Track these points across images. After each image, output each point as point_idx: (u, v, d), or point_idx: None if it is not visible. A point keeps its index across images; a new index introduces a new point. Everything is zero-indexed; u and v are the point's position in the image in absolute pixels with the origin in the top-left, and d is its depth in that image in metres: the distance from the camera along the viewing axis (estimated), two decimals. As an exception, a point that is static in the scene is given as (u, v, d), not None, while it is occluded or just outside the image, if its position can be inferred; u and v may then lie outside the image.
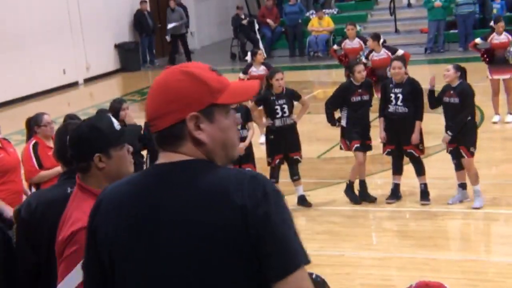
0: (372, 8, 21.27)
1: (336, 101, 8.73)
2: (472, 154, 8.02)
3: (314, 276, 3.31)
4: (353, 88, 8.56)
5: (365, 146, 8.62)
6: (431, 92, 8.30)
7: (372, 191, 8.75)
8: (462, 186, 8.29)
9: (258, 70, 11.25)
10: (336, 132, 8.99)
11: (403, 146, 8.35)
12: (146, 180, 2.09)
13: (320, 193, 9.16)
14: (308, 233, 7.61)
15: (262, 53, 11.89)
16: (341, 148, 8.90)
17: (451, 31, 18.72)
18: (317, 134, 11.75)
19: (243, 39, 20.39)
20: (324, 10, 20.28)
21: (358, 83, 8.57)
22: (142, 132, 8.08)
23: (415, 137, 8.24)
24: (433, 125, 9.84)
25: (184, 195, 2.00)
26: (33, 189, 6.61)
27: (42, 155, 6.64)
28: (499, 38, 11.29)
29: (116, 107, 7.93)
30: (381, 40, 11.35)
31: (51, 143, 6.43)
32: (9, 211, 5.98)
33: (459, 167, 8.18)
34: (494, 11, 18.17)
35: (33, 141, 6.73)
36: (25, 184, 6.75)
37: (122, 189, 2.13)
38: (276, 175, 8.48)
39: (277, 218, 1.96)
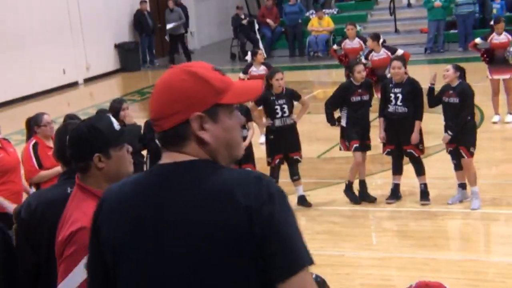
0: (372, 8, 21.27)
1: (336, 101, 8.73)
2: (472, 155, 8.03)
3: (314, 276, 3.30)
4: (353, 88, 8.56)
5: (364, 146, 8.62)
6: (431, 89, 8.30)
7: (372, 191, 8.75)
8: (462, 186, 8.29)
9: (258, 70, 11.25)
10: (336, 132, 8.99)
11: (403, 146, 8.35)
12: (150, 179, 2.09)
13: (320, 193, 9.16)
14: (308, 233, 7.61)
15: (262, 53, 11.89)
16: (340, 149, 8.91)
17: (451, 31, 18.72)
18: (317, 134, 11.75)
19: (243, 39, 20.39)
20: (324, 10, 20.27)
21: (358, 83, 8.57)
22: (142, 132, 8.09)
23: (414, 137, 8.24)
24: (433, 125, 9.84)
25: (188, 195, 1.99)
26: (33, 189, 6.62)
27: (42, 155, 6.65)
28: (499, 38, 11.29)
29: (116, 107, 7.93)
30: (381, 40, 11.35)
31: (51, 143, 6.43)
32: (12, 207, 5.99)
33: (458, 167, 8.18)
34: (494, 11, 18.16)
35: (33, 141, 6.73)
36: (25, 183, 6.74)
37: (125, 189, 2.12)
38: (276, 175, 8.48)
39: (281, 218, 1.96)
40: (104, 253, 2.10)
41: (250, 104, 8.72)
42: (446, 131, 8.12)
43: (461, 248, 7.51)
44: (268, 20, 20.41)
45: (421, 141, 8.35)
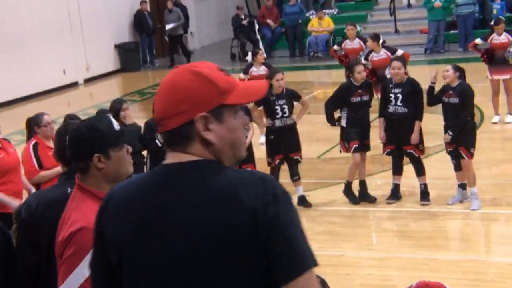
0: (372, 9, 21.27)
1: (336, 102, 8.73)
2: (471, 155, 8.03)
3: (314, 276, 3.31)
4: (353, 89, 8.57)
5: (364, 147, 8.62)
6: (431, 88, 8.31)
7: (372, 191, 8.76)
8: (462, 186, 8.29)
9: (259, 70, 11.26)
10: (336, 132, 8.99)
11: (403, 146, 8.35)
12: (155, 180, 2.08)
13: (320, 193, 9.16)
14: (308, 233, 7.44)
15: (262, 53, 11.90)
16: (340, 151, 8.90)
17: (451, 31, 18.72)
18: (317, 134, 11.75)
19: (243, 39, 20.39)
20: (324, 11, 20.27)
21: (358, 83, 8.57)
22: (142, 132, 8.08)
23: (414, 137, 8.24)
24: (433, 125, 9.84)
25: (193, 195, 1.99)
26: (33, 189, 6.62)
27: (42, 155, 6.65)
28: (499, 38, 11.29)
29: (116, 107, 7.93)
30: (381, 41, 11.35)
31: (51, 143, 6.43)
32: (15, 204, 6.02)
33: (458, 167, 8.18)
34: (494, 11, 18.16)
35: (33, 141, 6.73)
36: (27, 181, 6.73)
37: (130, 189, 2.12)
38: (276, 175, 8.47)
39: (286, 219, 1.96)
40: (109, 253, 2.09)
41: (250, 105, 8.72)
42: (446, 131, 8.12)
43: (461, 248, 7.51)
44: (268, 21, 20.41)
45: (421, 141, 8.35)
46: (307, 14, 20.45)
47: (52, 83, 17.80)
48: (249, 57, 12.52)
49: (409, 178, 8.61)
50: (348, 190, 8.65)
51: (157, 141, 7.92)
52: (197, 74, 2.06)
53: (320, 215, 8.42)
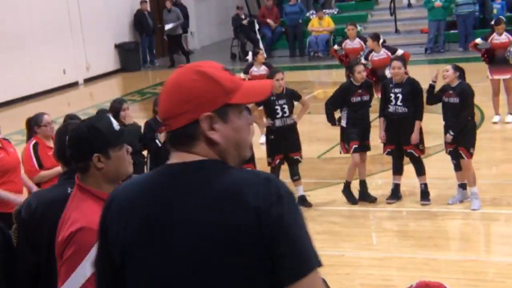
0: (373, 8, 21.27)
1: (336, 102, 8.73)
2: (471, 155, 8.03)
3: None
4: (353, 89, 8.57)
5: (364, 147, 8.62)
6: (432, 87, 8.30)
7: (372, 191, 8.76)
8: (462, 186, 8.29)
9: (259, 70, 11.25)
10: (336, 132, 8.99)
11: (403, 146, 8.35)
12: (159, 179, 2.08)
13: (320, 193, 9.16)
14: (308, 233, 7.59)
15: (263, 53, 11.90)
16: (340, 153, 8.89)
17: (451, 31, 18.72)
18: (317, 134, 11.75)
19: (243, 39, 20.39)
20: (324, 10, 20.27)
21: (358, 83, 8.57)
22: (142, 132, 8.08)
23: (414, 137, 8.24)
24: (433, 125, 9.84)
25: (197, 195, 1.99)
26: (34, 187, 6.61)
27: (42, 155, 6.65)
28: (499, 38, 11.29)
29: (116, 107, 7.93)
30: (381, 40, 11.35)
31: (51, 143, 6.44)
32: (19, 199, 6.03)
33: (458, 167, 8.18)
34: (494, 11, 18.16)
35: (33, 141, 6.73)
36: (28, 179, 6.72)
37: (134, 189, 2.11)
38: (277, 175, 8.47)
39: (290, 219, 1.95)
40: (112, 253, 2.09)
41: (250, 104, 8.71)
42: (446, 131, 8.12)
43: (461, 248, 7.51)
44: (269, 20, 20.41)
45: (421, 141, 8.35)
46: (307, 14, 20.45)
47: (52, 83, 17.80)
48: (249, 57, 12.51)
49: (409, 178, 8.61)
50: (347, 190, 8.65)
51: (157, 141, 7.92)
52: (202, 73, 2.05)
53: (320, 215, 8.42)
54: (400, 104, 8.27)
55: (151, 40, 20.70)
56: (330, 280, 3.66)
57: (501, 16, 13.31)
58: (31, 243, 3.40)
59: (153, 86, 18.45)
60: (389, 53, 11.01)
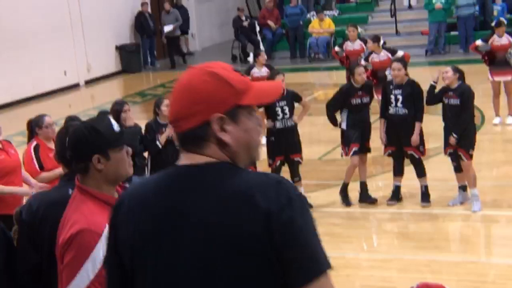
0: (373, 10, 21.27)
1: (337, 103, 8.73)
2: (471, 157, 8.02)
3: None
4: (353, 91, 8.57)
5: (364, 148, 8.63)
6: (432, 87, 8.31)
7: (373, 192, 8.75)
8: (463, 188, 8.29)
9: (260, 71, 11.26)
10: (337, 133, 8.98)
11: (403, 148, 8.35)
12: (169, 181, 2.07)
13: (321, 194, 9.16)
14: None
15: (264, 54, 11.90)
16: (342, 156, 8.89)
17: (452, 33, 18.72)
18: (318, 135, 11.75)
19: (244, 40, 20.39)
20: (325, 12, 20.27)
21: (358, 85, 8.57)
22: (143, 134, 8.07)
23: (414, 139, 8.24)
24: (433, 127, 9.83)
25: (208, 197, 1.98)
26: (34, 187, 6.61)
27: (43, 157, 6.66)
28: (500, 40, 11.30)
29: (117, 109, 7.93)
30: (381, 42, 11.36)
31: (52, 145, 6.44)
32: (26, 192, 6.04)
33: (458, 169, 8.18)
34: (495, 13, 18.16)
35: (34, 143, 6.74)
36: (28, 176, 6.73)
37: (143, 190, 2.11)
38: (277, 176, 8.47)
39: (301, 223, 1.95)
40: (122, 254, 2.09)
41: (250, 106, 8.71)
42: (446, 132, 8.12)
43: (462, 250, 7.50)
44: (269, 22, 20.42)
45: (422, 142, 8.34)
46: (308, 16, 20.46)
47: (53, 85, 17.82)
48: (250, 59, 12.53)
49: (409, 179, 8.61)
50: (343, 192, 8.66)
51: (157, 142, 7.92)
52: (213, 75, 2.04)
53: (321, 217, 8.41)
54: (400, 105, 8.27)
55: (152, 42, 20.72)
56: (331, 282, 3.66)
57: (501, 18, 13.30)
58: (32, 244, 3.40)
59: (154, 88, 18.47)
60: (390, 55, 11.02)
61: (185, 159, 2.06)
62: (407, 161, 8.48)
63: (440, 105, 8.27)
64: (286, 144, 8.55)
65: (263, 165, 8.67)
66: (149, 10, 20.57)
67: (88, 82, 19.14)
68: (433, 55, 18.40)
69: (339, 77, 14.44)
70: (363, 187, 8.69)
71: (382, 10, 20.89)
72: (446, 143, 8.15)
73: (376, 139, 8.75)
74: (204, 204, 1.97)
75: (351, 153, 8.53)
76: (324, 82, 17.97)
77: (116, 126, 3.05)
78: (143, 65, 20.64)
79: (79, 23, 18.72)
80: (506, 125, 11.59)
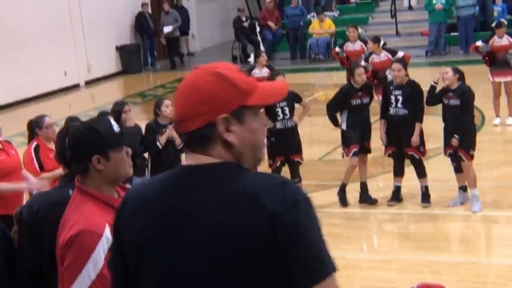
0: (373, 11, 21.27)
1: (337, 104, 8.73)
2: (471, 157, 8.02)
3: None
4: (353, 91, 8.57)
5: (364, 149, 8.63)
6: (433, 87, 8.31)
7: (373, 193, 8.75)
8: (463, 188, 8.29)
9: (261, 72, 11.26)
10: (337, 134, 8.99)
11: (404, 148, 8.35)
12: (174, 181, 2.06)
13: (321, 195, 9.15)
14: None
15: (265, 55, 11.90)
16: (343, 157, 8.89)
17: (452, 33, 18.72)
18: (318, 136, 11.75)
19: (244, 41, 20.40)
20: (325, 13, 20.27)
21: (358, 86, 8.57)
22: (143, 134, 8.07)
23: (414, 139, 8.24)
24: (433, 127, 9.83)
25: (212, 197, 1.98)
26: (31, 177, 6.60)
27: (43, 157, 6.66)
28: (500, 41, 11.30)
29: (117, 109, 7.93)
30: (382, 43, 11.36)
31: (52, 145, 6.44)
32: (22, 186, 6.04)
33: (459, 169, 8.18)
34: (495, 13, 18.16)
35: (35, 143, 6.74)
36: (27, 174, 6.72)
37: (148, 190, 2.11)
38: (277, 177, 8.47)
39: (306, 224, 1.95)
40: (126, 253, 2.09)
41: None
42: (446, 133, 8.12)
43: (462, 250, 7.50)
44: (270, 23, 20.43)
45: (422, 143, 8.34)
46: (308, 16, 20.46)
47: (53, 85, 17.82)
48: (251, 59, 12.54)
49: (410, 180, 8.61)
50: (341, 192, 8.66)
51: (158, 143, 7.92)
52: (218, 75, 2.04)
53: (321, 217, 8.18)
54: (401, 106, 8.28)
55: (152, 42, 20.72)
56: (331, 282, 3.67)
57: (502, 19, 13.31)
58: (32, 244, 3.41)
59: (154, 88, 18.47)
60: (390, 56, 11.02)
61: (190, 159, 2.06)
62: (407, 161, 8.49)
63: (440, 106, 8.27)
64: (286, 145, 8.55)
65: (263, 165, 8.67)
66: (150, 10, 20.57)
67: (88, 83, 19.14)
68: (433, 56, 18.40)
69: (339, 78, 14.43)
70: (364, 187, 8.69)
71: (382, 11, 20.89)
72: (446, 144, 8.15)
73: (377, 140, 8.75)
74: (209, 204, 1.97)
75: (351, 154, 8.53)
76: (324, 83, 17.97)
77: (116, 127, 3.05)
78: (143, 66, 20.64)
79: (80, 23, 18.72)
80: (506, 126, 11.59)
